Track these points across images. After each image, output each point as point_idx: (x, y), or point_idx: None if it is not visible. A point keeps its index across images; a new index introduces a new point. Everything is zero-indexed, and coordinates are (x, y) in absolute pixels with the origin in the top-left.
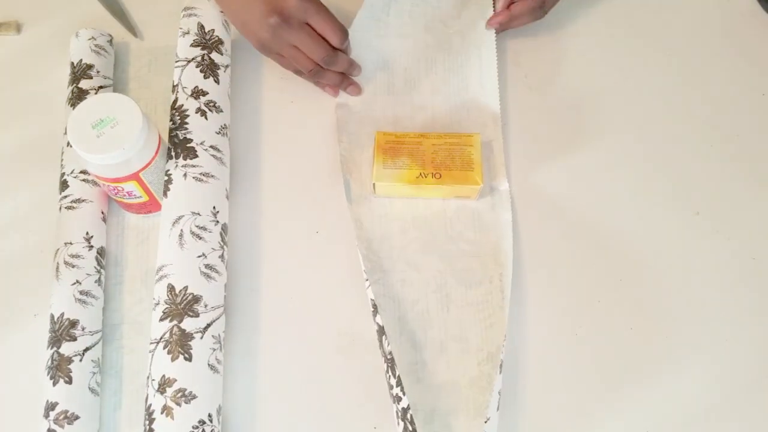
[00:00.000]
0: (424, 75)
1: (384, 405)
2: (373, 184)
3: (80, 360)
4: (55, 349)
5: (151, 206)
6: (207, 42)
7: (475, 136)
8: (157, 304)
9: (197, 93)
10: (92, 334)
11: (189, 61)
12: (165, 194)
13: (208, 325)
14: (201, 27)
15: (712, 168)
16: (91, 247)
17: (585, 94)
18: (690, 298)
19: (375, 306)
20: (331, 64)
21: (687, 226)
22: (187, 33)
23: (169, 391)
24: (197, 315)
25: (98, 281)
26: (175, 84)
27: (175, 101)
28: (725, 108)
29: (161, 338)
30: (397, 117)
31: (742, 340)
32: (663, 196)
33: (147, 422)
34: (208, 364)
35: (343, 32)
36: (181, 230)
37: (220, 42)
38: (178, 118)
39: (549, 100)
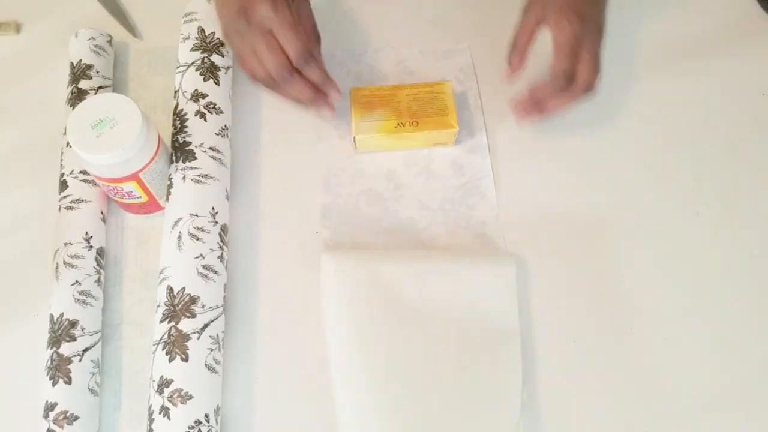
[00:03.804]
0: None
1: None
2: (354, 138)
3: (80, 360)
4: (54, 349)
5: (150, 206)
6: (207, 45)
7: (446, 84)
8: (158, 306)
9: (197, 96)
10: (92, 335)
11: (189, 66)
12: (167, 198)
13: (206, 326)
14: (201, 30)
15: (712, 168)
16: (91, 247)
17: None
18: (690, 298)
19: None
20: (284, 81)
21: (687, 226)
22: (188, 38)
23: (167, 391)
24: (194, 316)
25: (98, 281)
26: (176, 89)
27: (176, 106)
28: (725, 108)
29: (161, 339)
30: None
31: (742, 340)
32: (663, 196)
33: (148, 422)
34: (206, 365)
35: (304, 50)
36: (180, 232)
37: (221, 44)
38: (179, 122)
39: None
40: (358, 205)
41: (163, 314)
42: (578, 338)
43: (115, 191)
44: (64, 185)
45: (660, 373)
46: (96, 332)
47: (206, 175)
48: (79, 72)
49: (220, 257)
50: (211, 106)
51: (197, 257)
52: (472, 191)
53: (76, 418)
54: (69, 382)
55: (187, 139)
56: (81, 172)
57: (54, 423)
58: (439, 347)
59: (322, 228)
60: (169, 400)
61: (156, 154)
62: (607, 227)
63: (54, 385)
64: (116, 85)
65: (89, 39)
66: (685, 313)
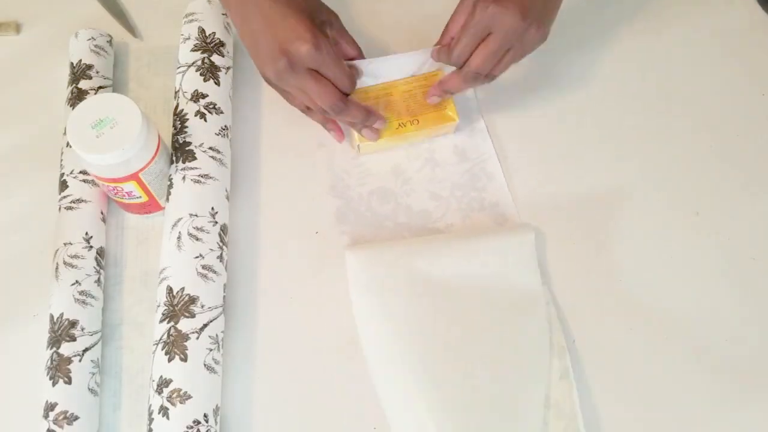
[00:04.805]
0: None
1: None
2: (358, 145)
3: (80, 360)
4: (54, 349)
5: (150, 206)
6: (207, 45)
7: (439, 74)
8: (158, 306)
9: (197, 96)
10: (92, 335)
11: (189, 66)
12: (167, 198)
13: (205, 326)
14: (201, 31)
15: (712, 168)
16: (91, 247)
17: (580, 89)
18: (690, 298)
19: None
20: (339, 113)
21: (687, 226)
22: (188, 38)
23: (166, 391)
24: (193, 316)
25: (98, 281)
26: (176, 90)
27: (176, 106)
28: (725, 108)
29: (160, 339)
30: None
31: (742, 340)
32: (663, 196)
33: (148, 422)
34: (204, 364)
35: (351, 82)
36: (179, 232)
37: (221, 44)
38: (179, 122)
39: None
40: (371, 205)
41: (163, 314)
42: (574, 334)
43: (115, 191)
44: (64, 185)
45: (658, 371)
46: (96, 332)
47: (206, 175)
48: (79, 72)
49: (220, 257)
50: (212, 106)
51: (197, 257)
52: (479, 174)
53: (76, 418)
54: (69, 382)
55: (187, 140)
56: (81, 172)
57: (54, 423)
58: (469, 322)
59: (341, 234)
60: (168, 400)
61: (156, 154)
62: (607, 228)
63: (54, 385)
64: (116, 85)
65: (89, 39)
66: (684, 313)
